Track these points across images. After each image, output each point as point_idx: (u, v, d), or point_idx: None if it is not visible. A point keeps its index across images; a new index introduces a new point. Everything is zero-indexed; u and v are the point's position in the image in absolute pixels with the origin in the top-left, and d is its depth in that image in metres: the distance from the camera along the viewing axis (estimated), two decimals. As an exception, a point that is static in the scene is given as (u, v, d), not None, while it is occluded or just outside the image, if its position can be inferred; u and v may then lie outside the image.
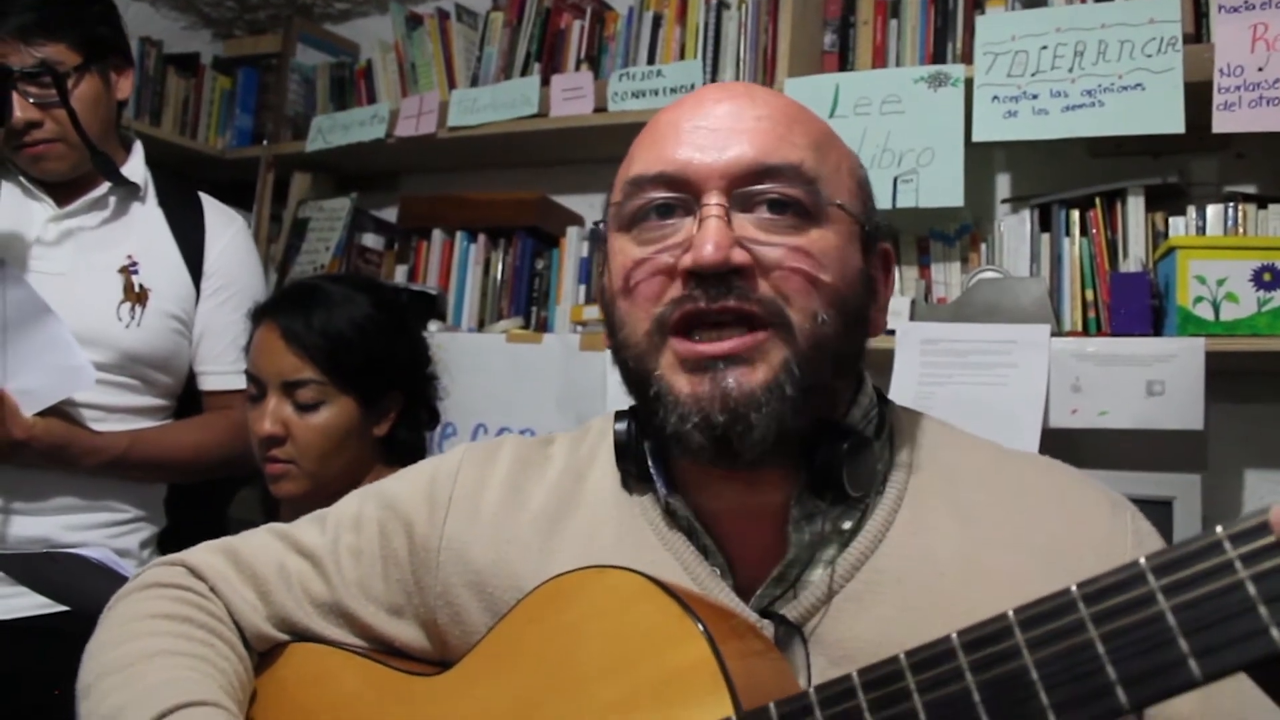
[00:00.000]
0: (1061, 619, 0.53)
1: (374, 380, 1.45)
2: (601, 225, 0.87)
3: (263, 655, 0.93)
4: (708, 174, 0.77)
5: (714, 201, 0.76)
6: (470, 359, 2.02)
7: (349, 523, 0.94)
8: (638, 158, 0.82)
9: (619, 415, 0.87)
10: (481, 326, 2.25)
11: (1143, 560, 0.52)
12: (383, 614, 0.90)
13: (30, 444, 1.48)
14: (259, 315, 1.48)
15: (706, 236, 0.75)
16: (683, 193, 0.78)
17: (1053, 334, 1.71)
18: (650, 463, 0.84)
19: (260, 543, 0.95)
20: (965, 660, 0.56)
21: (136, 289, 1.62)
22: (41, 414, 1.50)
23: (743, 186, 0.77)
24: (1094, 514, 0.80)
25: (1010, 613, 0.55)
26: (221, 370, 1.70)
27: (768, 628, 0.77)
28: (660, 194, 0.79)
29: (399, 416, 1.50)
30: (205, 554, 0.94)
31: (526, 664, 0.75)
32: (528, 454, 0.93)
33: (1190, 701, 0.73)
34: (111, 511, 1.62)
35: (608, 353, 1.94)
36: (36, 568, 1.38)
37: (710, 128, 0.79)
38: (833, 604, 0.77)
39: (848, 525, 0.80)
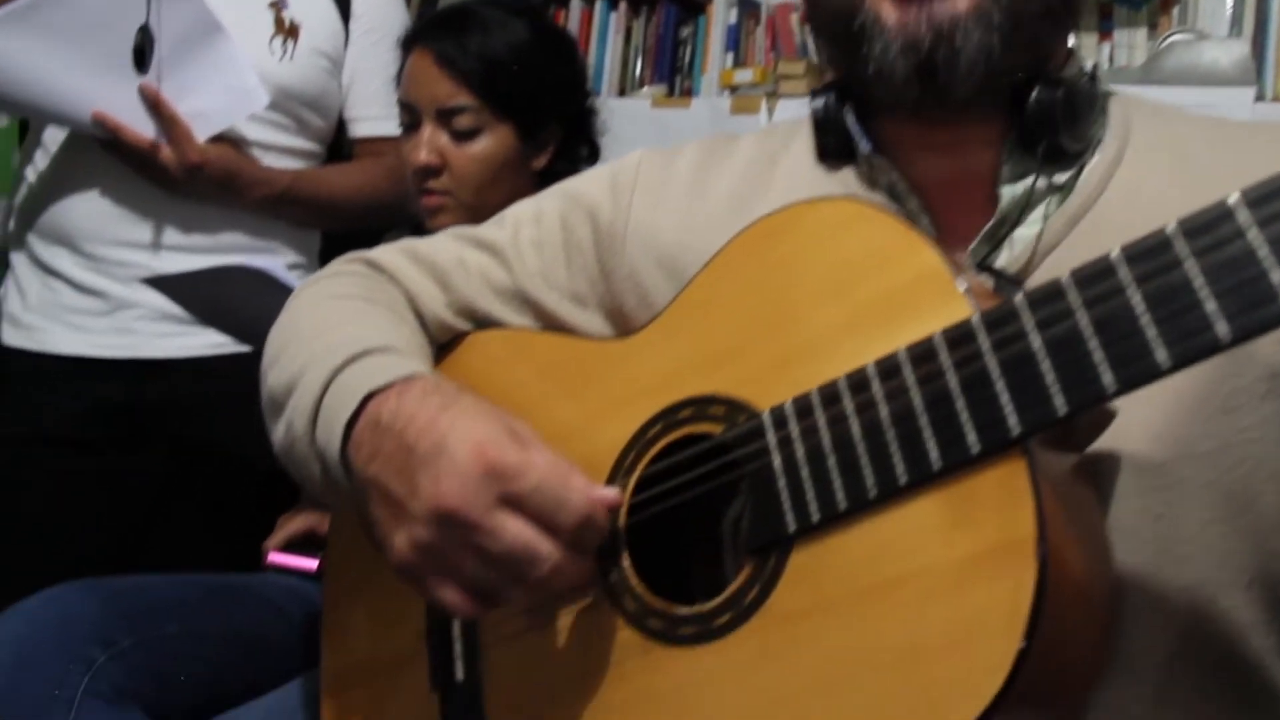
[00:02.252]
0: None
1: (532, 108, 1.40)
2: None
3: (442, 348, 0.92)
4: None
5: None
6: (613, 126, 1.95)
7: (529, 217, 0.92)
8: None
9: (815, 93, 0.83)
10: (623, 96, 2.18)
11: None
12: (566, 302, 0.88)
13: (204, 168, 1.49)
14: (410, 42, 1.43)
15: None
16: None
17: (1256, 99, 1.56)
18: (853, 127, 0.80)
19: (437, 241, 0.95)
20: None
21: (287, 24, 1.59)
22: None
23: None
24: None
25: (1236, 194, 0.51)
26: (374, 115, 1.68)
27: (985, 281, 0.73)
28: None
29: (558, 150, 1.45)
30: (382, 250, 0.94)
31: (730, 308, 0.72)
32: (712, 147, 0.90)
33: None
34: (276, 255, 1.63)
35: (760, 115, 1.87)
36: (203, 289, 1.39)
37: None
38: (1049, 258, 0.73)
39: (1063, 179, 0.75)
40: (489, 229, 0.93)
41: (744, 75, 1.94)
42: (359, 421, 0.72)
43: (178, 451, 1.57)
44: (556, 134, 1.45)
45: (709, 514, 0.79)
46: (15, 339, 1.58)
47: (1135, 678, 0.66)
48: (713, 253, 0.76)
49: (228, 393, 1.54)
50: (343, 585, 0.91)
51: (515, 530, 0.65)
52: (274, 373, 0.82)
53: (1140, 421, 0.57)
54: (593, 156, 1.52)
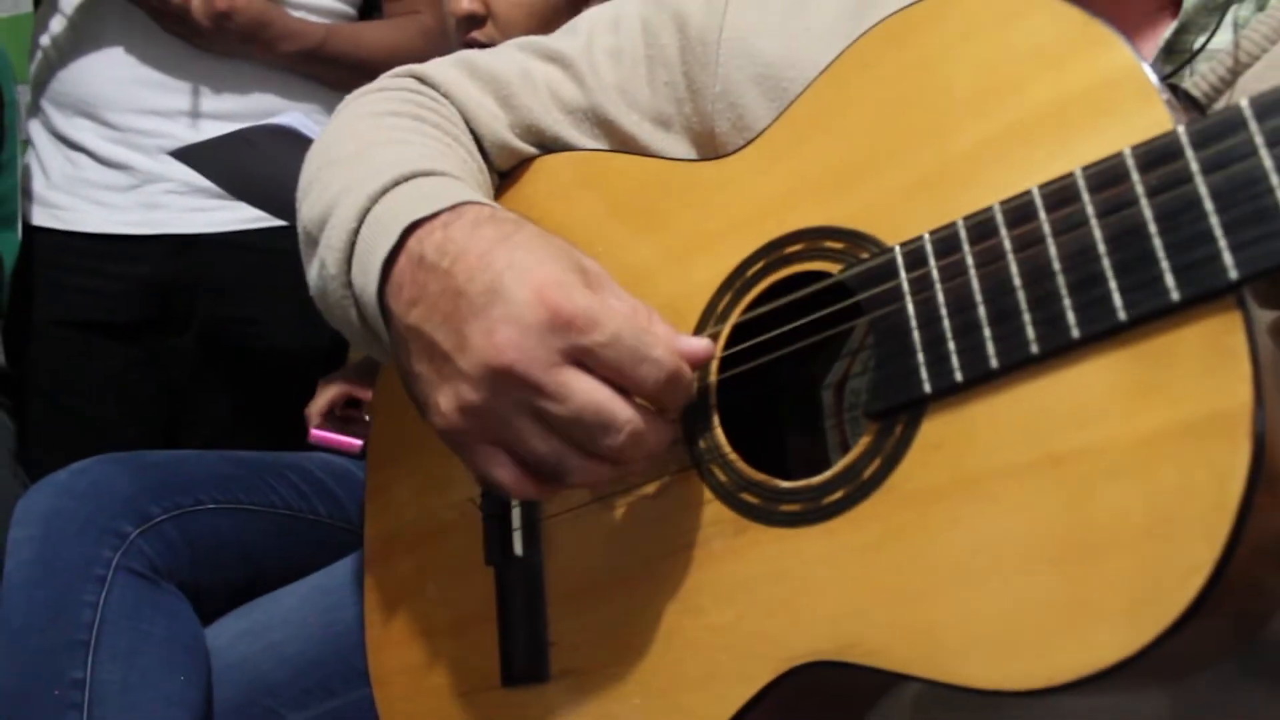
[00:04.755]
0: None
1: (591, -53, 1.26)
2: None
3: (502, 177, 0.80)
4: None
5: None
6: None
7: (606, 24, 0.79)
8: None
9: None
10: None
11: None
12: (646, 124, 0.76)
13: (231, 17, 1.39)
14: None
15: None
16: None
17: None
18: None
19: (500, 52, 0.82)
20: None
21: None
22: None
23: None
24: None
25: None
26: None
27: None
28: None
29: (614, -10, 1.31)
30: (435, 64, 0.82)
31: (852, 122, 0.59)
32: None
33: None
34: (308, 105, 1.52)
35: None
36: (229, 156, 1.27)
37: None
38: (1244, 78, 0.59)
39: None
40: (559, 38, 0.81)
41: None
42: (399, 258, 0.62)
43: (212, 332, 1.51)
44: (609, -25, 1.31)
45: (804, 378, 0.68)
46: (41, 218, 1.51)
47: None
48: (821, 69, 0.63)
49: (263, 270, 1.47)
50: (389, 445, 0.82)
51: (586, 391, 0.55)
52: (307, 203, 0.72)
53: None
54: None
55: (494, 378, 0.55)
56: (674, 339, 0.58)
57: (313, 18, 1.51)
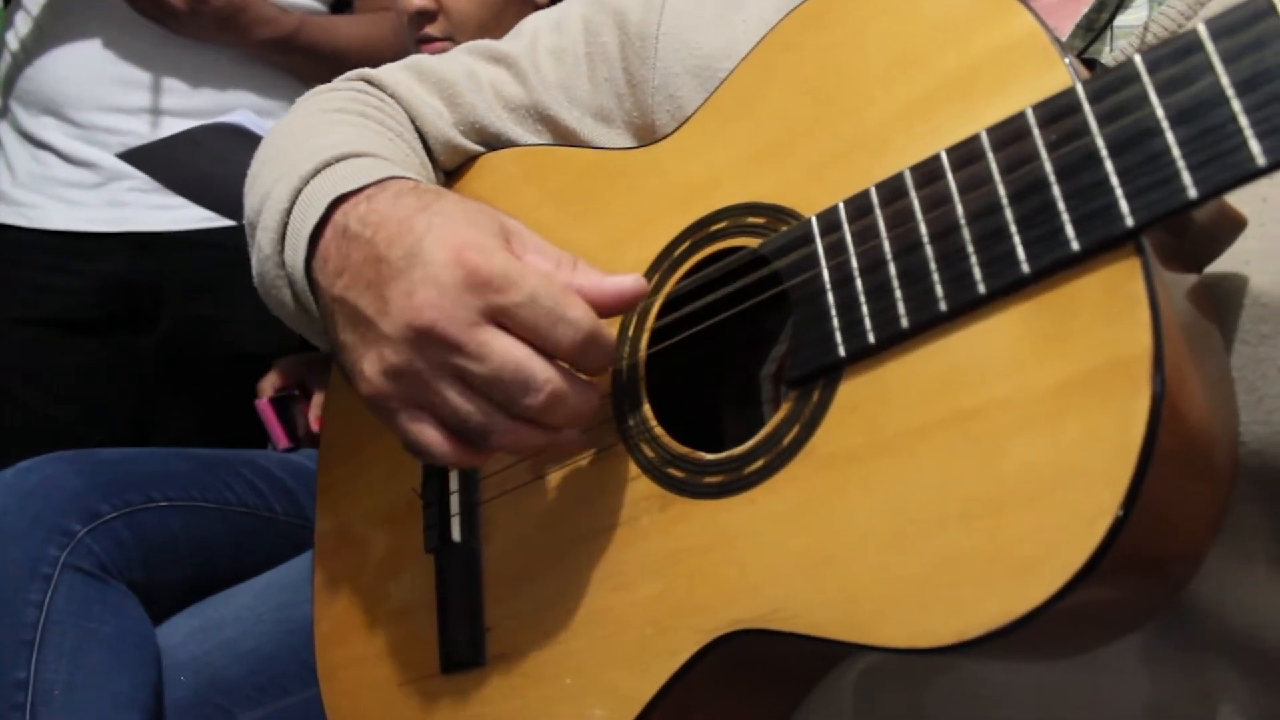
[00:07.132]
0: None
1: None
2: None
3: (450, 175, 0.82)
4: None
5: None
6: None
7: (548, 26, 0.81)
8: None
9: None
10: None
11: None
12: (589, 119, 0.77)
13: (206, 1, 1.39)
14: None
15: None
16: None
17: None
18: None
19: (448, 56, 0.84)
20: None
21: None
22: None
23: None
24: None
25: None
26: None
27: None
28: None
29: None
30: (386, 68, 0.84)
31: (775, 101, 0.60)
32: None
33: None
34: (270, 99, 1.54)
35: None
36: (181, 157, 1.27)
37: None
38: None
39: None
40: (505, 41, 0.83)
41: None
42: (325, 231, 0.63)
43: (178, 331, 1.51)
44: (560, -36, 1.33)
45: (748, 362, 0.68)
46: (8, 216, 1.51)
47: (1242, 553, 0.54)
48: (749, 51, 0.64)
49: (228, 269, 1.46)
50: (338, 442, 0.83)
51: (504, 349, 0.55)
52: (250, 194, 0.73)
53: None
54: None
55: (415, 338, 0.56)
56: (602, 281, 0.58)
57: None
